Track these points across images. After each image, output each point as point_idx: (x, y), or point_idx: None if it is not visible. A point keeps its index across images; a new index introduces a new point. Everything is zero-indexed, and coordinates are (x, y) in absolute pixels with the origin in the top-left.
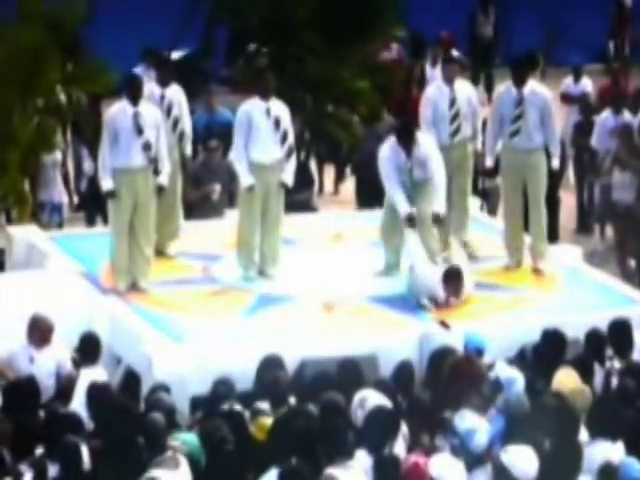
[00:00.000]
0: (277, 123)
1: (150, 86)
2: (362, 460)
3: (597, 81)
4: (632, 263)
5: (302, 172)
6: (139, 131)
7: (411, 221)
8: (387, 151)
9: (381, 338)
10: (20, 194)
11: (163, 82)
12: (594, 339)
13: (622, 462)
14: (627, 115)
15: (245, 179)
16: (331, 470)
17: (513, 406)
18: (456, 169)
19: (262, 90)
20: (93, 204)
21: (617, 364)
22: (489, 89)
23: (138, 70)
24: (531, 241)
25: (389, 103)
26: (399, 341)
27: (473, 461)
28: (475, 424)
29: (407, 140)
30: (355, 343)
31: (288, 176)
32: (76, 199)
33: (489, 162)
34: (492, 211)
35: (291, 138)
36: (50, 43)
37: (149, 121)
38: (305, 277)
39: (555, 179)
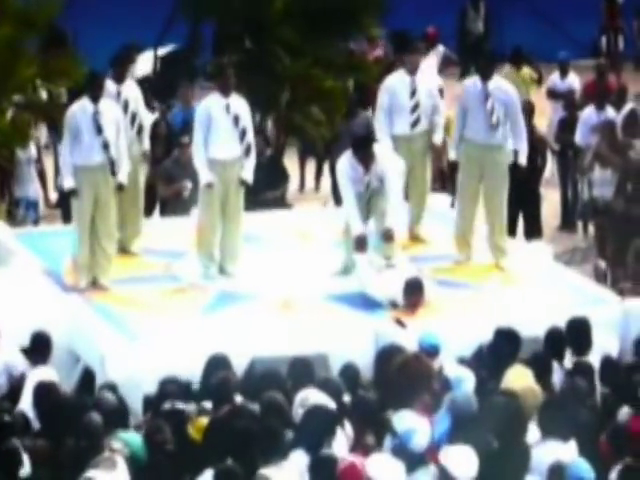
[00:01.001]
0: (236, 120)
1: (106, 83)
2: (299, 460)
3: (589, 77)
4: (602, 264)
5: (275, 168)
6: (99, 129)
7: (361, 243)
8: (344, 164)
9: (336, 337)
10: None
11: (118, 78)
12: (553, 337)
13: (570, 462)
14: (610, 111)
15: (204, 176)
16: (265, 471)
17: (460, 405)
18: (415, 161)
19: (222, 86)
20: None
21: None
22: None
23: None
24: (491, 237)
25: (368, 100)
26: (354, 340)
27: (413, 462)
28: (414, 424)
29: (364, 154)
30: (307, 342)
31: (248, 173)
32: (55, 196)
33: (452, 155)
34: None
35: (250, 135)
36: (23, 39)
37: (109, 119)
38: (266, 275)
39: (536, 175)
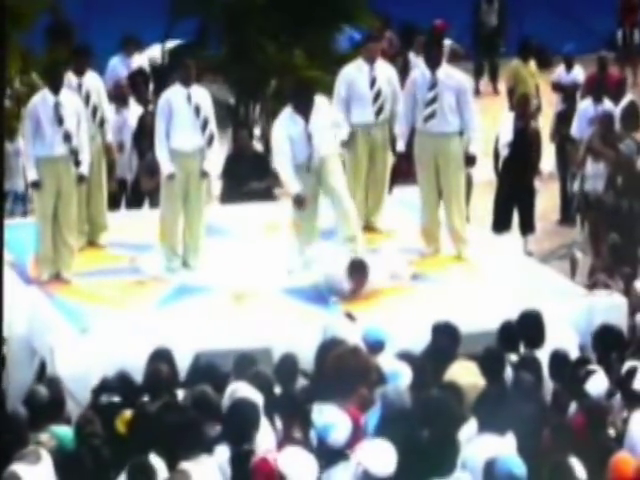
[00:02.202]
0: (197, 110)
1: (67, 75)
2: (221, 454)
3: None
4: (578, 255)
5: (261, 160)
6: (60, 121)
7: (299, 202)
8: (283, 120)
9: (284, 331)
10: None
11: (79, 70)
12: (506, 331)
13: (501, 457)
14: (608, 104)
15: (165, 167)
16: (184, 465)
17: (390, 399)
18: (376, 150)
19: (183, 76)
20: None
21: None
22: (493, 79)
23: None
24: (450, 223)
25: None
26: (302, 334)
27: (333, 457)
28: (333, 419)
29: (306, 105)
30: (255, 336)
31: (209, 164)
32: None
33: (400, 146)
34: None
35: (212, 125)
36: (10, 32)
37: (70, 110)
38: (227, 268)
39: (530, 169)
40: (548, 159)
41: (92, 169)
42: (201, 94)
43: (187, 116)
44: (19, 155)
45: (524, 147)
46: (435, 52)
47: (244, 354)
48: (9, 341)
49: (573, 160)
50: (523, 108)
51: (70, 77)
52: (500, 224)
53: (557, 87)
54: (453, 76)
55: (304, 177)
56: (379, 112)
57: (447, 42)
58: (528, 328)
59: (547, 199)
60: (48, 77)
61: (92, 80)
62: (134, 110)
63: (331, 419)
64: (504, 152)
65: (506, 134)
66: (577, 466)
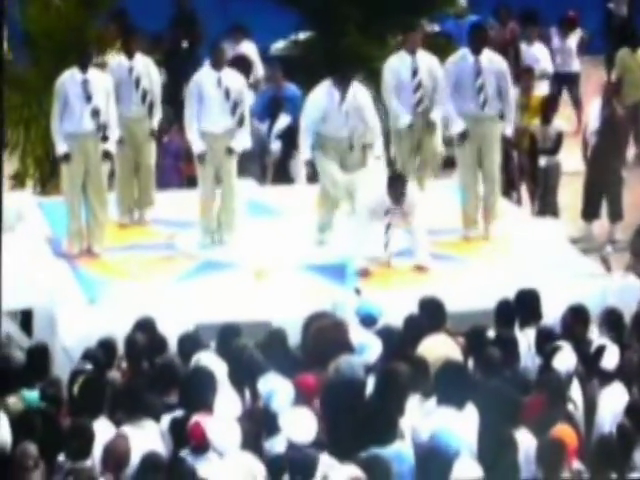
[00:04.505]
0: (227, 93)
1: (119, 58)
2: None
3: None
4: (608, 249)
5: None
6: (88, 97)
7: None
8: (318, 92)
9: (293, 306)
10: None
11: (129, 53)
12: (504, 309)
13: (440, 430)
14: None
15: (195, 146)
16: (125, 428)
17: (342, 370)
18: (421, 139)
19: (214, 60)
20: None
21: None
22: None
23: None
24: (486, 205)
25: None
26: (310, 309)
27: (273, 424)
28: (276, 386)
29: (345, 80)
30: (258, 310)
31: (237, 143)
32: None
33: (459, 127)
34: (552, 191)
35: (243, 107)
36: (86, 18)
37: (98, 88)
38: (257, 245)
39: (619, 156)
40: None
41: (141, 149)
42: (233, 77)
43: (217, 99)
44: None
45: (612, 134)
46: (479, 38)
47: (229, 325)
48: (34, 312)
49: None
50: (610, 95)
51: (122, 60)
52: (589, 212)
53: None
54: (494, 60)
55: (346, 154)
56: (419, 102)
57: (579, 33)
58: (523, 306)
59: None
60: (77, 55)
61: (143, 64)
62: None
63: (274, 386)
64: (592, 140)
65: (594, 122)
66: (526, 440)
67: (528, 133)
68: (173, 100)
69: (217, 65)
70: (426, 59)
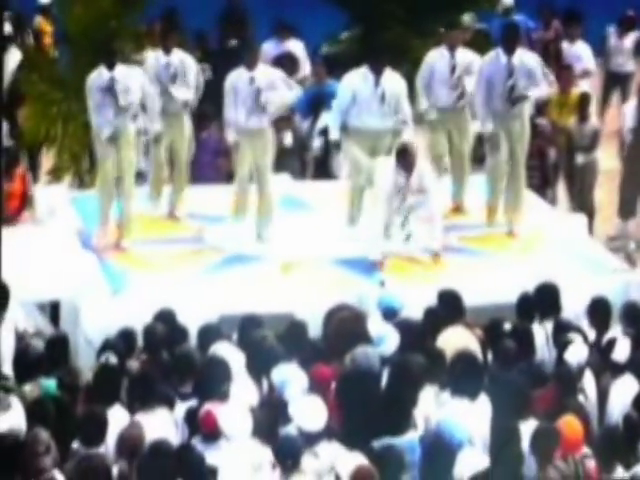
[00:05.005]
0: (258, 92)
1: (155, 54)
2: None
3: None
4: (632, 245)
5: None
6: (114, 95)
7: (337, 148)
8: (353, 74)
9: (319, 299)
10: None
11: (166, 47)
12: (524, 302)
13: (445, 420)
14: None
15: (230, 136)
16: (138, 416)
17: (358, 361)
18: (458, 134)
19: (248, 61)
20: None
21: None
22: None
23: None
24: (509, 200)
25: None
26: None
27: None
28: (289, 375)
29: (380, 65)
30: (281, 303)
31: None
32: None
33: (489, 127)
34: (588, 189)
35: (273, 107)
36: (122, 16)
37: (127, 85)
38: (287, 239)
39: None
40: None
41: (176, 144)
42: (265, 78)
43: (248, 97)
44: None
45: None
46: (511, 37)
47: (251, 316)
48: (60, 304)
49: None
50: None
51: (159, 56)
52: (625, 210)
53: None
54: (524, 59)
55: (376, 140)
56: (459, 98)
57: (637, 33)
58: (543, 300)
59: None
60: (102, 53)
61: (181, 59)
62: None
63: (287, 375)
64: (628, 138)
65: (630, 120)
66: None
67: (565, 131)
68: (215, 97)
69: (250, 65)
70: (466, 56)
